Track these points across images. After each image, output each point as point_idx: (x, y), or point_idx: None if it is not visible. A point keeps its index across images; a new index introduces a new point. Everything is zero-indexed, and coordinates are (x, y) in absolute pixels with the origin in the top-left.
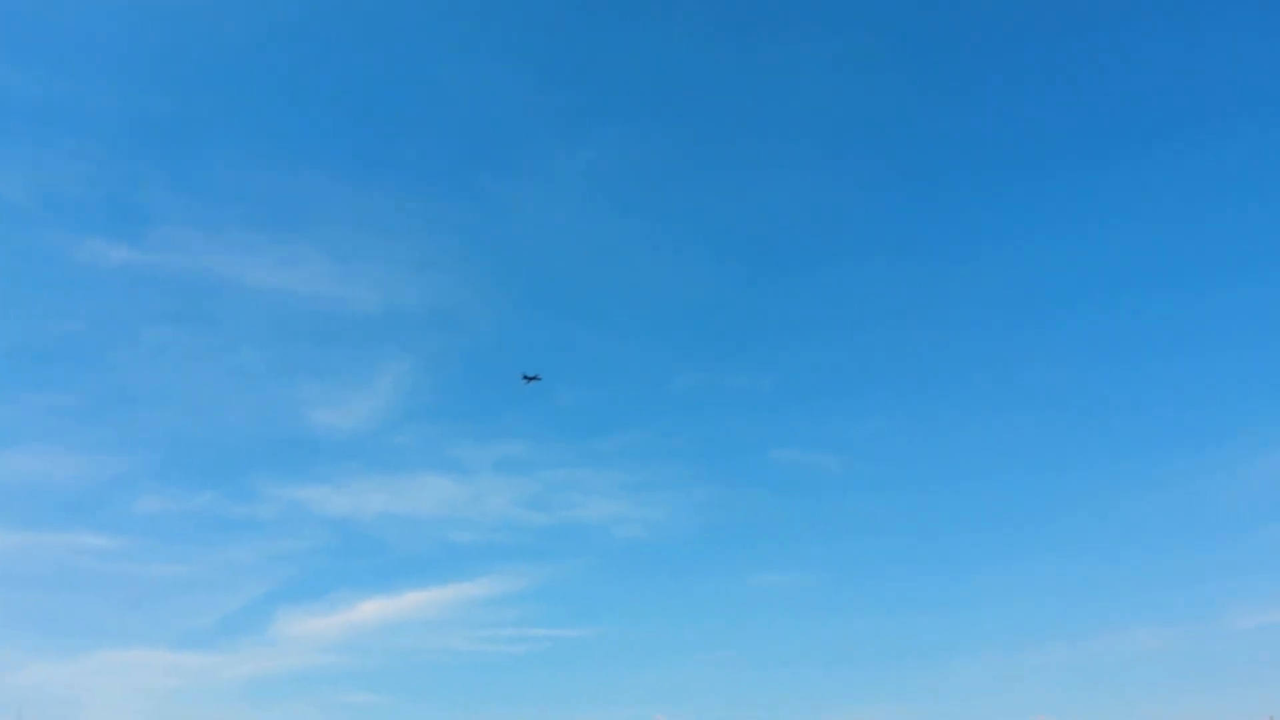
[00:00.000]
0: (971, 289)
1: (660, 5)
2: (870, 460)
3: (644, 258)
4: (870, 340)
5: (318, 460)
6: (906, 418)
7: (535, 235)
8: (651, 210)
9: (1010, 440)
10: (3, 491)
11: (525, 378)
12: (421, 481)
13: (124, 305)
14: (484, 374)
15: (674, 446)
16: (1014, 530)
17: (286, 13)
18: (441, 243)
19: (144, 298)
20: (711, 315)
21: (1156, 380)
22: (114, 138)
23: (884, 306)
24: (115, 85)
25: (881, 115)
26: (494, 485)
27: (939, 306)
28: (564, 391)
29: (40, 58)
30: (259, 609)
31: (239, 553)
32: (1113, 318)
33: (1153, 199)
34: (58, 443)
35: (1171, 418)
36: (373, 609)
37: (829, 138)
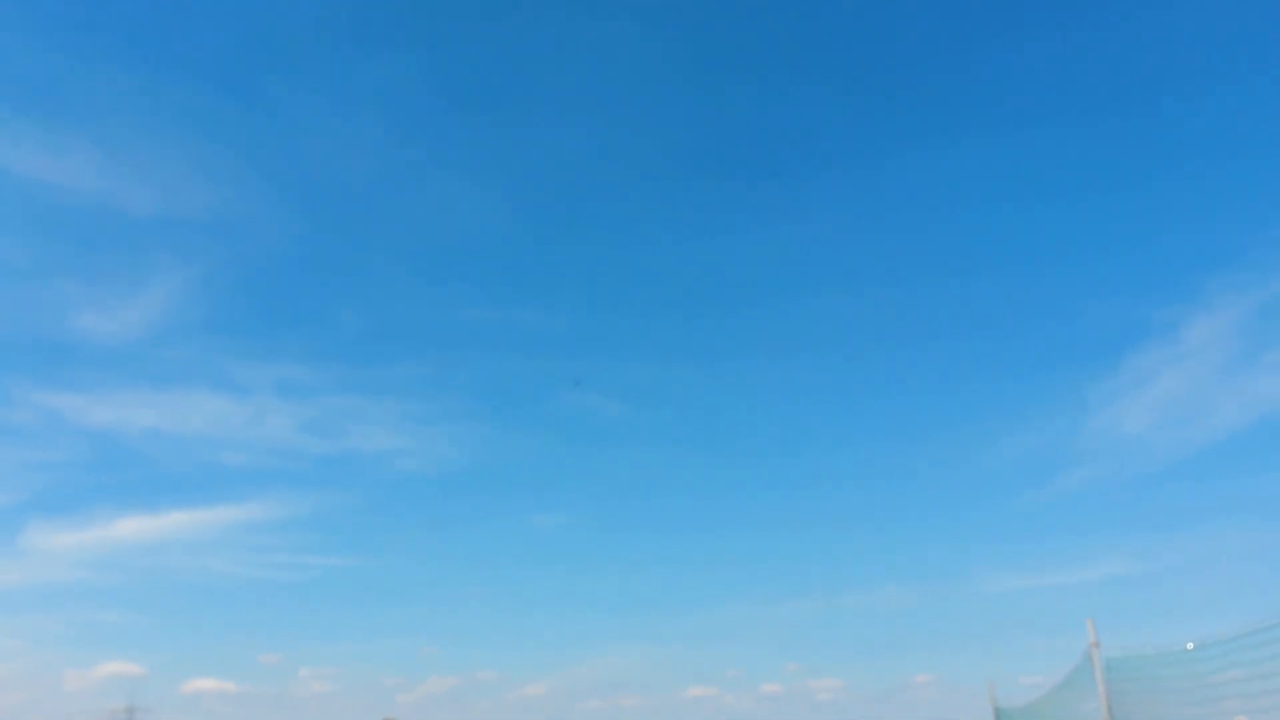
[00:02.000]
0: (758, 265)
1: None
2: (654, 410)
3: (437, 185)
4: (659, 297)
5: (79, 367)
6: (692, 373)
7: (324, 150)
8: (449, 139)
9: (781, 415)
10: None
11: (575, 382)
12: (193, 398)
13: None
14: (265, 291)
15: (458, 381)
16: (782, 497)
17: None
18: (226, 148)
19: None
20: (505, 250)
21: (917, 363)
22: None
23: (677, 274)
24: None
25: (683, 96)
26: (272, 407)
27: (727, 283)
28: (347, 316)
29: None
30: (7, 519)
31: None
32: (877, 302)
33: (922, 194)
34: None
35: (930, 398)
36: (132, 526)
37: (631, 103)
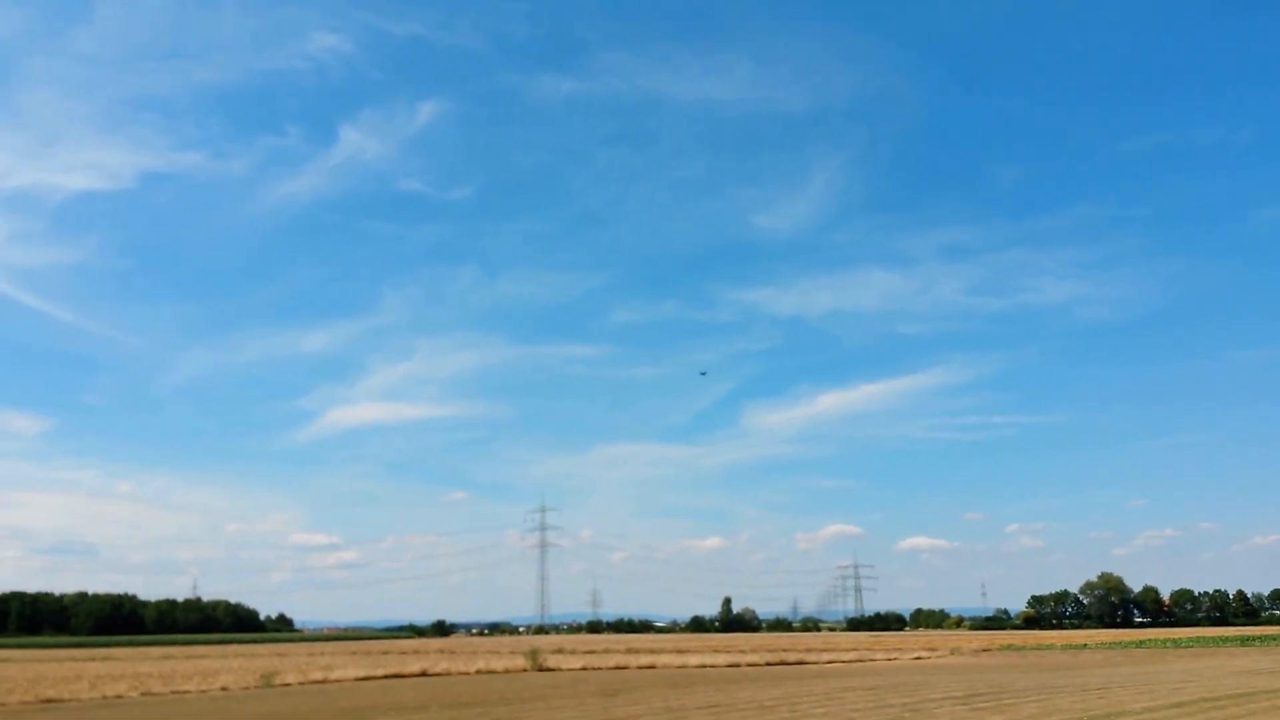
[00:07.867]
0: None
1: None
2: None
3: (1077, 7)
4: None
5: (762, 263)
6: None
7: (952, 6)
8: None
9: None
10: (502, 310)
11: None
12: (864, 276)
13: (576, 133)
14: (915, 162)
15: (1132, 217)
16: None
17: None
18: (859, 29)
19: (591, 124)
20: (1166, 63)
21: None
22: None
23: None
24: None
25: None
26: (938, 274)
27: None
28: (1002, 170)
29: None
30: (727, 405)
31: (704, 354)
32: None
33: None
34: (540, 265)
35: None
36: (830, 401)
37: None
